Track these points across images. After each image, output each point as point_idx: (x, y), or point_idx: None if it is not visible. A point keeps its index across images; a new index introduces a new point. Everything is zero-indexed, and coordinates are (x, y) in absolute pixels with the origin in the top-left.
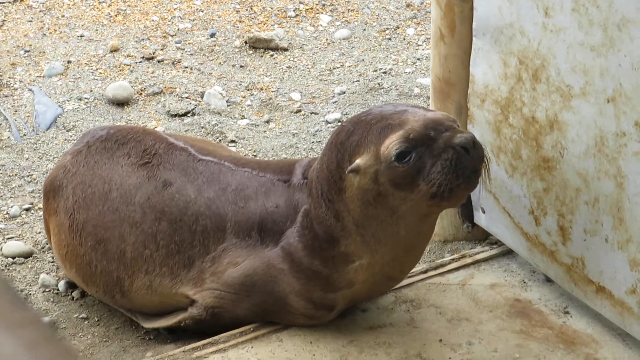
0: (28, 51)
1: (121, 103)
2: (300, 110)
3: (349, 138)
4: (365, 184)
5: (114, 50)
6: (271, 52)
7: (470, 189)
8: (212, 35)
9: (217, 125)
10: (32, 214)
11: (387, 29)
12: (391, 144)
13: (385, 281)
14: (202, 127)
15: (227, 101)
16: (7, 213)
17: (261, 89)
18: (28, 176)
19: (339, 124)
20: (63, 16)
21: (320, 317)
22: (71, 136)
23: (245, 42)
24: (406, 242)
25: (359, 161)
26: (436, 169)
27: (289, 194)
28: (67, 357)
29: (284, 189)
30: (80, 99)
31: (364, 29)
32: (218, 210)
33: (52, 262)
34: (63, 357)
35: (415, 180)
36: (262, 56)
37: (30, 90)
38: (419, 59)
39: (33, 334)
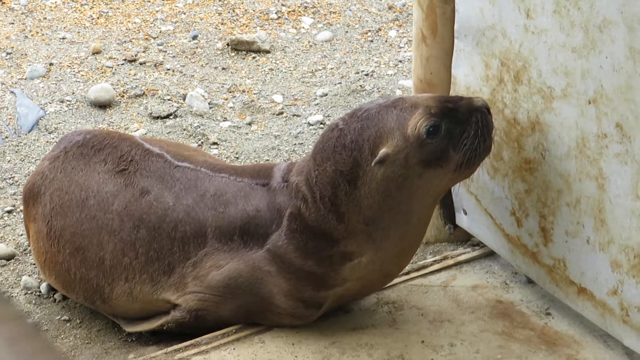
0: (10, 53)
1: (103, 105)
2: (282, 113)
3: (361, 135)
4: (392, 172)
5: (96, 52)
6: (253, 55)
7: (491, 149)
8: (194, 37)
9: (199, 127)
10: (14, 216)
11: (369, 31)
12: (419, 122)
13: (382, 278)
14: (184, 130)
15: (209, 103)
16: None
17: (243, 91)
18: (10, 178)
19: (322, 126)
20: (45, 18)
21: (308, 316)
22: (53, 138)
23: (228, 45)
24: (412, 234)
25: (385, 149)
26: (468, 133)
27: (269, 197)
28: (48, 352)
29: (263, 193)
30: (62, 101)
31: (346, 31)
32: (197, 217)
33: (34, 264)
34: (44, 353)
35: (445, 152)
36: (244, 58)
37: (12, 92)
38: (401, 61)
39: (14, 329)
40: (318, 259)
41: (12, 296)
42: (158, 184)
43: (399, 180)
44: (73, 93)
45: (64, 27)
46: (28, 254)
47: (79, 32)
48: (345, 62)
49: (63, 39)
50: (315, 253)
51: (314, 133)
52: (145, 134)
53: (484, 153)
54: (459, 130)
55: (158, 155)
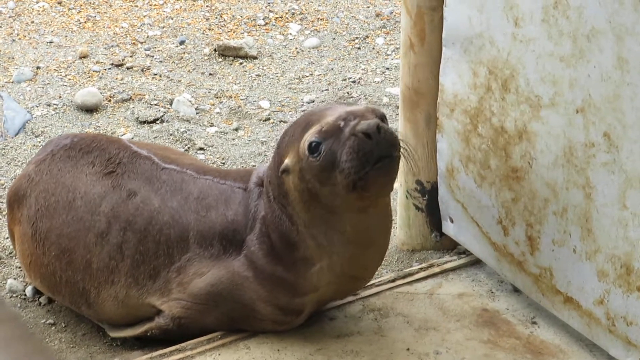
0: None
1: (90, 109)
2: (269, 119)
3: (282, 140)
4: (298, 184)
5: (83, 56)
6: (240, 60)
7: (386, 175)
8: (182, 42)
9: (186, 132)
10: (0, 219)
11: (357, 38)
12: (305, 139)
13: (351, 281)
14: (171, 134)
15: (196, 109)
16: None
17: (230, 97)
18: None
19: None
20: (32, 22)
21: (289, 322)
22: (40, 142)
23: (215, 50)
24: (358, 238)
25: (287, 161)
26: (343, 157)
27: (246, 201)
28: (42, 354)
29: (242, 196)
30: (49, 105)
31: (334, 38)
32: (181, 220)
33: (19, 267)
34: (38, 354)
35: (332, 172)
36: (231, 64)
37: None
38: (388, 69)
39: (8, 331)
40: (285, 265)
41: None
42: (145, 186)
43: (306, 192)
44: (60, 97)
45: (52, 31)
46: (13, 257)
47: (66, 36)
48: (332, 69)
49: (50, 42)
50: (282, 258)
51: None
52: (132, 138)
53: (371, 177)
54: (339, 152)
55: (145, 158)
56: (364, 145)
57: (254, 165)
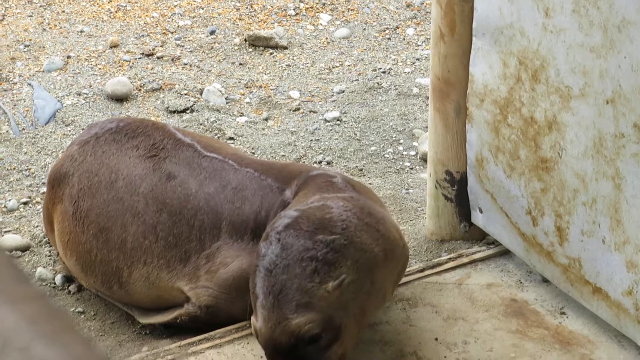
0: (28, 46)
1: (120, 99)
2: (299, 109)
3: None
4: None
5: (114, 46)
6: (271, 50)
7: None
8: (212, 32)
9: (216, 122)
10: (30, 207)
11: (387, 28)
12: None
13: None
14: (201, 124)
15: (226, 98)
16: (4, 207)
17: (260, 86)
18: (26, 170)
19: (338, 123)
20: (63, 11)
21: None
22: (70, 131)
23: (245, 40)
24: None
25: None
26: None
27: (278, 206)
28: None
29: (278, 198)
30: (79, 94)
31: (364, 29)
32: (216, 207)
33: (49, 255)
34: (66, 333)
35: None
36: (261, 54)
37: (30, 84)
38: (418, 59)
39: (35, 309)
40: None
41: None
42: (185, 170)
43: None
44: (90, 86)
45: (82, 20)
46: (43, 246)
47: (96, 26)
48: (362, 60)
49: (81, 32)
50: None
51: (330, 129)
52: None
53: None
54: None
55: (189, 145)
56: None
57: (283, 156)
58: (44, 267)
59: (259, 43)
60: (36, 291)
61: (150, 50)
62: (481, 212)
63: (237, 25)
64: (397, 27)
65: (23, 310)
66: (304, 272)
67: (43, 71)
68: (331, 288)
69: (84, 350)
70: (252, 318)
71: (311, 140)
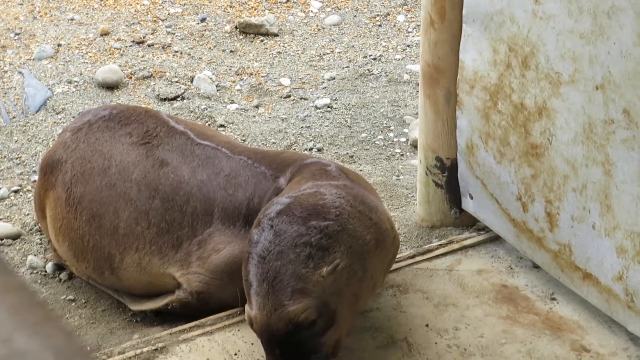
0: (18, 34)
1: (111, 87)
2: (289, 96)
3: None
4: None
5: (104, 34)
6: (261, 38)
7: None
8: (203, 20)
9: (207, 109)
10: (21, 196)
11: (378, 15)
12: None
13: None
14: (192, 112)
15: (216, 86)
16: None
17: (251, 74)
18: (17, 158)
19: (329, 110)
20: None
21: None
22: (60, 119)
23: (236, 27)
24: None
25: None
26: None
27: (271, 193)
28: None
29: (271, 185)
30: (70, 82)
31: (355, 16)
32: (208, 194)
33: (40, 244)
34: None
35: None
36: (252, 41)
37: (20, 72)
38: (408, 46)
39: (17, 299)
40: None
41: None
42: (177, 157)
43: None
44: (81, 74)
45: (73, 9)
46: (34, 234)
47: (87, 14)
48: (353, 46)
49: (71, 20)
50: None
51: (321, 116)
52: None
53: None
54: None
55: (182, 133)
56: None
57: (274, 143)
58: (35, 255)
59: (249, 30)
60: (18, 282)
61: (140, 38)
62: (471, 198)
63: (228, 12)
64: (388, 14)
65: (4, 302)
66: (298, 257)
67: (34, 59)
68: (325, 273)
69: (66, 341)
70: (246, 306)
71: (302, 127)
